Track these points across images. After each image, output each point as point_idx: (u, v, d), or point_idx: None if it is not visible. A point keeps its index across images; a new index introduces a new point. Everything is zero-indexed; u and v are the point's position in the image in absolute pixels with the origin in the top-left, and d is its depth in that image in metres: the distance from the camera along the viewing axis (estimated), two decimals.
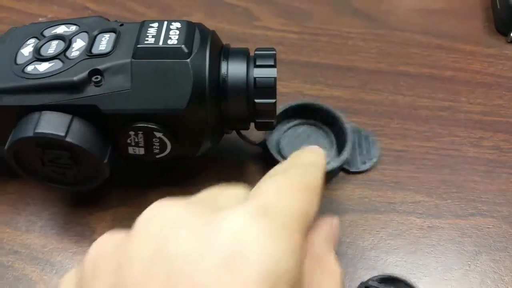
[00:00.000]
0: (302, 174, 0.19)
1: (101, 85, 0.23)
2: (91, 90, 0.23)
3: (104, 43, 0.24)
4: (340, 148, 0.30)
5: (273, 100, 0.25)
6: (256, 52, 0.26)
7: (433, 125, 0.33)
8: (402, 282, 0.25)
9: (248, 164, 0.31)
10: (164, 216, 0.15)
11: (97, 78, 0.23)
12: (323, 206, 0.28)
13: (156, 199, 0.29)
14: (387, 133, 0.32)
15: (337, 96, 0.35)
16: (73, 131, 0.23)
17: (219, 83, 0.25)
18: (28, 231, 0.27)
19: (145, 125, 0.24)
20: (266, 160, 0.30)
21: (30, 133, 0.23)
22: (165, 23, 0.25)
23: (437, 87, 0.35)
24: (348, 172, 0.30)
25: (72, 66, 0.24)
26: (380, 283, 0.25)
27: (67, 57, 0.24)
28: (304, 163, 0.20)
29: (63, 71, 0.24)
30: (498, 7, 0.40)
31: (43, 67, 0.24)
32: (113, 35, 0.25)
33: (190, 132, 0.25)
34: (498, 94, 0.35)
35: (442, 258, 0.27)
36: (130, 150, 0.25)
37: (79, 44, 0.25)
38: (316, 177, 0.19)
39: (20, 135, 0.23)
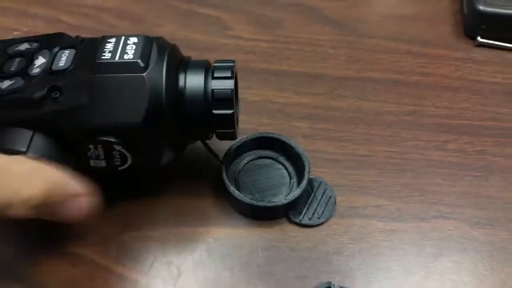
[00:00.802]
0: None
1: (60, 101, 0.24)
2: (51, 107, 0.24)
3: (63, 59, 0.25)
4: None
5: (231, 111, 0.25)
6: (214, 64, 0.27)
7: (398, 130, 0.33)
8: None
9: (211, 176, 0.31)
10: None
11: (56, 94, 0.24)
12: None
13: (121, 211, 0.29)
14: (352, 138, 0.33)
15: (304, 103, 0.35)
16: (34, 147, 0.24)
17: (177, 96, 0.25)
18: None
19: (104, 138, 0.24)
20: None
21: None
22: (123, 38, 0.25)
23: (403, 92, 0.36)
24: (289, 220, 0.28)
25: (32, 83, 0.24)
26: None
27: (28, 74, 0.25)
28: None
29: (24, 88, 0.24)
30: (465, 11, 0.41)
31: (4, 84, 0.25)
32: (73, 51, 0.25)
33: (149, 144, 0.25)
34: (464, 98, 0.36)
35: (403, 261, 0.27)
36: (92, 163, 0.25)
37: (40, 61, 0.25)
38: None
39: None
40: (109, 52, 0.24)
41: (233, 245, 0.28)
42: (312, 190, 0.29)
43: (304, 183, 0.28)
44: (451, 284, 0.26)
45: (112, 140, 0.24)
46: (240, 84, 0.36)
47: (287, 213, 0.29)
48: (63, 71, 0.24)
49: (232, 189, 0.28)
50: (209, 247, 0.27)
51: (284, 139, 0.31)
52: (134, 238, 0.28)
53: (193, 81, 0.26)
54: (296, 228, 0.28)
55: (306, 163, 0.29)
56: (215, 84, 0.25)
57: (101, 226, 0.28)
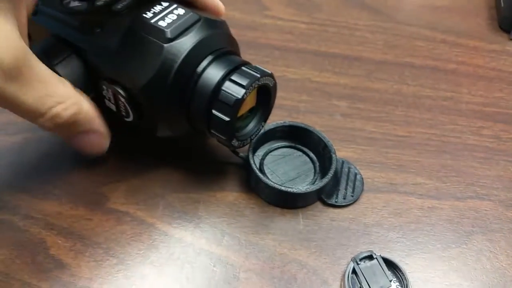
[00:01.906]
0: None
1: (98, 36, 0.25)
2: (89, 38, 0.25)
3: (124, 3, 0.26)
4: (322, 177, 0.29)
5: (227, 118, 0.24)
6: (242, 67, 0.25)
7: (436, 114, 0.34)
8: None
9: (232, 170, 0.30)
10: None
11: (97, 29, 0.25)
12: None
13: (167, 173, 0.30)
14: (392, 119, 0.33)
15: (343, 83, 0.36)
16: (64, 64, 0.25)
17: (190, 79, 0.25)
18: (44, 199, 0.29)
19: (113, 86, 0.25)
20: (249, 172, 0.29)
21: (34, 51, 0.25)
22: (173, 6, 0.26)
23: (441, 78, 0.37)
24: (324, 203, 0.29)
25: (89, 12, 0.26)
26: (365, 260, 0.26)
27: (93, 3, 0.27)
28: None
29: (81, 13, 0.26)
30: (502, 5, 0.42)
31: (73, 4, 0.27)
32: None
33: (147, 110, 0.25)
34: (498, 87, 0.37)
35: (441, 237, 0.28)
36: (106, 102, 0.27)
37: None
38: None
39: (33, 50, 0.26)
40: (153, 13, 0.25)
41: (275, 212, 0.28)
42: (338, 171, 0.29)
43: (334, 164, 0.28)
44: (487, 261, 0.27)
45: (118, 90, 0.25)
46: (279, 62, 0.37)
47: (320, 197, 0.29)
48: (115, 12, 0.26)
49: (265, 179, 0.27)
50: (252, 212, 0.28)
51: (303, 126, 0.30)
52: (179, 199, 0.28)
53: (211, 72, 0.25)
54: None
55: (329, 144, 0.29)
56: (226, 86, 0.24)
57: (147, 187, 0.29)
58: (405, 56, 0.38)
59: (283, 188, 0.27)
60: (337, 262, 0.26)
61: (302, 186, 0.29)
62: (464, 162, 0.31)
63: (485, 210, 0.29)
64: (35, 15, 0.28)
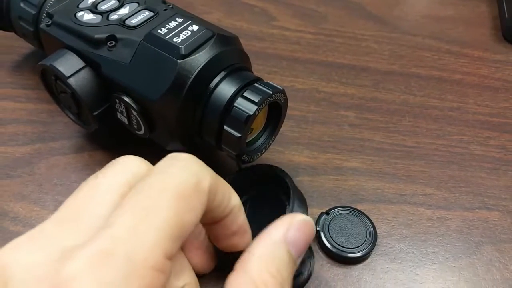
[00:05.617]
0: (168, 178, 0.17)
1: (112, 50, 0.26)
2: (103, 51, 0.26)
3: (138, 18, 0.27)
4: None
5: (238, 134, 0.24)
6: (254, 84, 0.25)
7: (443, 124, 0.34)
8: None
9: None
10: (5, 270, 0.15)
11: (111, 43, 0.26)
12: (337, 195, 0.29)
13: None
14: (399, 130, 0.34)
15: (350, 94, 0.36)
16: (78, 77, 0.26)
17: (204, 94, 0.25)
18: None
19: (126, 99, 0.26)
20: None
21: (48, 63, 0.26)
22: (188, 22, 0.26)
23: (447, 89, 0.37)
24: None
25: (103, 26, 0.27)
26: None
27: (107, 17, 0.27)
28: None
29: (95, 26, 0.27)
30: (506, 16, 0.42)
31: (87, 17, 0.28)
32: (150, 14, 0.27)
33: (159, 125, 0.26)
34: (504, 98, 0.37)
35: (450, 247, 0.28)
36: (118, 115, 0.27)
37: (124, 11, 0.28)
38: (187, 180, 0.17)
39: (43, 62, 0.27)
40: (167, 29, 0.26)
41: None
42: None
43: None
44: (497, 272, 0.27)
45: (131, 104, 0.25)
46: (286, 72, 0.37)
47: None
48: (129, 27, 0.26)
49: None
50: None
51: (287, 181, 0.26)
52: None
53: (223, 88, 0.25)
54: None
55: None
56: (239, 102, 0.24)
57: None
58: (411, 66, 0.38)
59: None
60: (348, 273, 0.26)
61: None
62: (472, 172, 0.32)
63: (494, 220, 0.29)
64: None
